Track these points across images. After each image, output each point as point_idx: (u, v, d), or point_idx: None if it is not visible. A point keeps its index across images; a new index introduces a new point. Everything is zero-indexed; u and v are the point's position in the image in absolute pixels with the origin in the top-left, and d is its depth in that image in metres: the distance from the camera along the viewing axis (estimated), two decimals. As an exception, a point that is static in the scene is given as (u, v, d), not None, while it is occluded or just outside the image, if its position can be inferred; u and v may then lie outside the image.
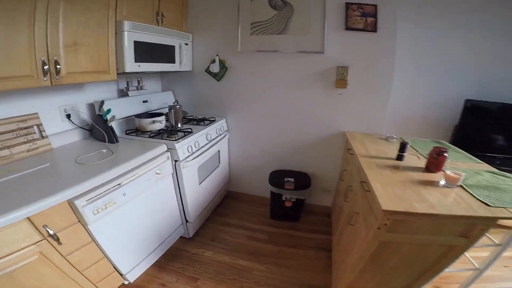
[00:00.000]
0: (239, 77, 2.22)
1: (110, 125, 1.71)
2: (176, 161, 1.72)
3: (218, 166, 2.32)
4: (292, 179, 2.16)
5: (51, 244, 1.08)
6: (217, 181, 2.35)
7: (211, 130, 2.10)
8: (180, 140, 1.73)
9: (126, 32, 1.56)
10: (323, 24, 1.91)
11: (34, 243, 1.02)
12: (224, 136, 2.32)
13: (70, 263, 1.18)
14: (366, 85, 1.98)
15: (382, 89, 1.97)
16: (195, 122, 2.17)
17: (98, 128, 1.73)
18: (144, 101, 2.11)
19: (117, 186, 1.34)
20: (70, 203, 1.12)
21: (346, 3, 1.86)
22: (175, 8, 2.05)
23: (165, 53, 1.93)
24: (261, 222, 2.27)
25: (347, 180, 1.83)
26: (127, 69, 1.63)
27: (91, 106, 1.85)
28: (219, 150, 2.27)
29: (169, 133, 1.85)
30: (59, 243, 1.10)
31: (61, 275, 1.15)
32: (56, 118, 1.67)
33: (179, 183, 1.79)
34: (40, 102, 1.57)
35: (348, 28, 1.90)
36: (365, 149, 1.69)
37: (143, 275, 1.68)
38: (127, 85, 2.03)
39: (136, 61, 1.67)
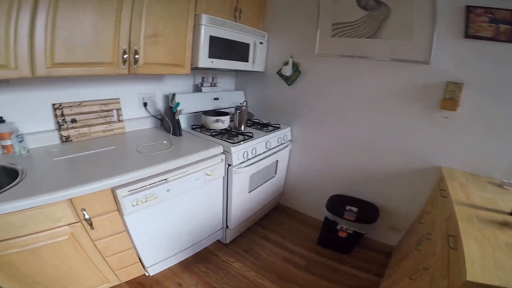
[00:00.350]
0: (313, 83, 1.97)
1: (177, 118, 1.73)
2: (229, 165, 1.62)
3: (274, 176, 2.14)
4: (355, 209, 1.79)
5: (84, 227, 1.10)
6: (269, 192, 2.17)
7: (272, 138, 1.93)
8: (237, 144, 1.62)
9: (203, 26, 1.54)
10: (432, 29, 1.49)
11: (68, 224, 1.05)
12: (286, 146, 2.12)
13: (96, 248, 1.20)
14: (485, 111, 1.45)
15: (509, 121, 1.41)
16: (259, 127, 2.05)
17: (167, 120, 1.79)
18: (215, 98, 2.11)
19: (163, 181, 1.31)
20: (113, 191, 1.13)
21: (467, 6, 1.40)
22: (253, 5, 1.97)
23: (239, 51, 1.86)
24: (305, 245, 1.97)
25: (428, 225, 1.38)
26: (200, 64, 1.61)
27: (166, 98, 1.93)
28: (277, 160, 2.09)
29: (230, 134, 1.77)
30: (92, 228, 1.12)
31: (84, 257, 1.18)
32: (134, 105, 1.79)
33: (228, 188, 1.69)
34: (123, 89, 1.70)
35: (469, 35, 1.42)
36: (466, 194, 1.23)
37: (166, 270, 1.65)
38: (202, 80, 2.06)
39: (209, 56, 1.64)
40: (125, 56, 1.31)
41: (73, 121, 1.51)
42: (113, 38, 1.26)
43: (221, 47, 1.70)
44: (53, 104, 1.43)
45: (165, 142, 1.59)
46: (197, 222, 1.66)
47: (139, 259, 1.45)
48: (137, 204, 1.21)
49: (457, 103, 1.47)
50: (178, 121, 1.74)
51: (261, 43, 2.03)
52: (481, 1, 1.35)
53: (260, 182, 1.96)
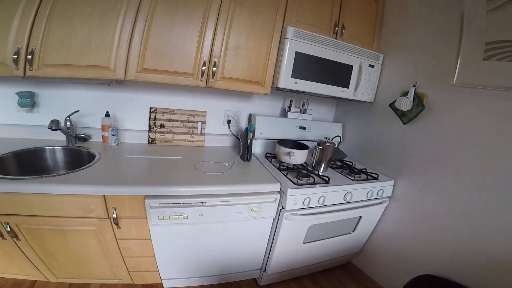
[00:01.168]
0: (444, 124, 1.30)
1: (248, 141, 1.59)
2: (282, 208, 1.27)
3: (350, 233, 1.55)
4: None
5: (111, 224, 1.10)
6: (338, 248, 1.61)
7: (358, 190, 1.40)
8: (299, 187, 1.26)
9: (289, 40, 1.34)
10: None
11: (98, 218, 1.08)
12: (381, 203, 1.50)
13: (118, 246, 1.19)
14: None
15: None
16: (346, 171, 1.56)
17: (240, 142, 1.68)
18: (301, 127, 1.83)
19: (199, 204, 1.15)
20: (146, 200, 1.07)
21: None
22: (363, 20, 1.57)
23: (335, 73, 1.51)
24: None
25: None
26: (280, 84, 1.41)
27: (250, 117, 1.84)
28: (360, 217, 1.50)
29: (300, 172, 1.42)
30: (118, 227, 1.10)
31: (104, 251, 1.19)
32: (219, 120, 1.81)
33: (275, 232, 1.33)
34: (211, 103, 1.75)
35: None
36: None
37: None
38: (290, 105, 1.84)
39: (293, 76, 1.41)
40: (203, 68, 1.30)
41: (162, 126, 1.67)
42: (196, 48, 1.28)
43: (310, 67, 1.43)
44: (150, 108, 1.63)
45: (226, 164, 1.47)
46: (230, 256, 1.40)
47: (157, 268, 1.35)
48: (163, 219, 1.12)
49: None
50: (249, 145, 1.58)
51: (371, 66, 1.59)
52: None
53: (325, 235, 1.47)
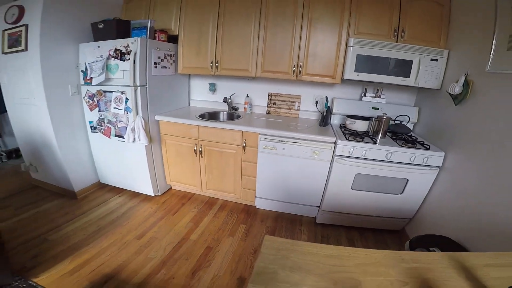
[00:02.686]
0: (487, 106, 1.54)
1: (323, 113, 2.35)
2: (336, 155, 1.99)
3: (398, 194, 1.99)
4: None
5: (242, 150, 2.22)
6: (385, 206, 2.06)
7: (399, 153, 1.85)
8: (347, 140, 1.94)
9: (351, 47, 1.99)
10: None
11: (237, 145, 2.22)
12: (429, 170, 1.85)
13: (241, 165, 2.29)
14: None
15: None
16: (402, 141, 1.98)
17: (322, 114, 2.46)
18: (374, 108, 2.35)
19: (282, 142, 2.10)
20: (259, 135, 2.14)
21: None
22: (426, 23, 1.93)
23: (395, 66, 1.98)
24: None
25: None
26: (346, 76, 2.08)
27: (332, 100, 2.55)
28: (407, 180, 1.92)
29: (357, 135, 2.06)
30: (244, 152, 2.21)
31: (234, 167, 2.33)
32: (310, 102, 2.64)
33: (329, 173, 2.06)
34: (304, 90, 2.61)
35: None
36: None
37: (266, 210, 2.44)
38: (365, 91, 2.40)
39: (355, 71, 2.04)
40: (293, 68, 2.21)
41: (274, 103, 2.71)
42: (289, 55, 2.20)
43: (370, 63, 1.99)
44: (269, 93, 2.70)
45: (306, 126, 2.31)
46: (298, 186, 2.23)
47: (255, 188, 2.38)
48: (264, 148, 2.14)
49: None
50: (325, 116, 2.34)
51: (433, 59, 1.92)
52: None
53: (372, 188, 2.00)
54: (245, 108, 2.74)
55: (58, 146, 2.32)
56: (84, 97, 2.38)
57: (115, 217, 2.31)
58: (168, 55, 2.43)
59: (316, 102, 2.60)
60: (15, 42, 2.14)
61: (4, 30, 2.18)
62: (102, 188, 2.77)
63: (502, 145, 1.40)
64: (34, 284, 1.55)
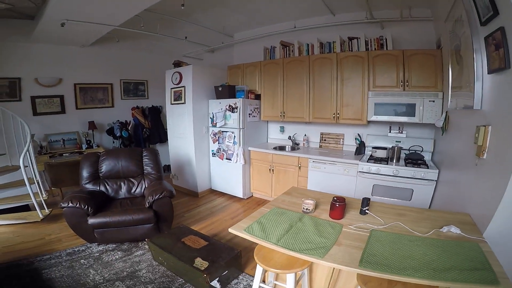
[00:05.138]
0: (454, 134, 2.33)
1: (357, 145, 3.40)
2: (359, 171, 2.99)
3: (408, 201, 2.74)
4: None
5: (298, 169, 3.50)
6: None
7: (403, 170, 2.73)
8: (364, 162, 2.97)
9: (370, 98, 3.10)
10: None
11: (295, 166, 3.54)
12: (427, 182, 2.62)
13: (297, 179, 3.52)
14: None
15: None
16: (411, 164, 2.79)
17: (357, 147, 3.49)
18: (397, 141, 3.25)
19: (323, 162, 3.26)
20: (309, 159, 3.38)
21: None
22: (424, 73, 2.80)
23: (403, 109, 2.93)
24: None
25: None
26: (368, 119, 3.16)
27: (366, 136, 3.54)
28: (413, 190, 2.70)
29: (375, 159, 3.02)
30: (300, 170, 3.48)
31: (293, 180, 3.58)
32: (351, 138, 3.72)
33: (356, 184, 3.04)
34: (346, 130, 3.74)
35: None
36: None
37: None
38: (390, 129, 3.34)
39: (375, 114, 3.11)
40: (333, 115, 3.44)
41: (324, 140, 3.92)
42: (330, 106, 3.46)
43: (384, 108, 3.03)
44: (321, 132, 3.95)
45: (344, 155, 3.40)
46: (334, 192, 3.18)
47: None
48: (312, 168, 3.35)
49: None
50: (358, 148, 3.38)
51: (431, 101, 2.79)
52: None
53: (386, 195, 2.83)
54: (303, 143, 4.04)
55: (195, 164, 4.17)
56: (210, 134, 4.26)
57: (219, 208, 3.88)
58: (255, 108, 4.11)
59: (356, 139, 3.66)
60: (178, 97, 4.21)
61: (171, 88, 4.29)
62: (212, 192, 4.50)
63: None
64: (182, 225, 3.11)
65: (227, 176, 4.19)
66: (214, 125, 4.13)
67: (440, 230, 1.45)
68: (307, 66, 3.62)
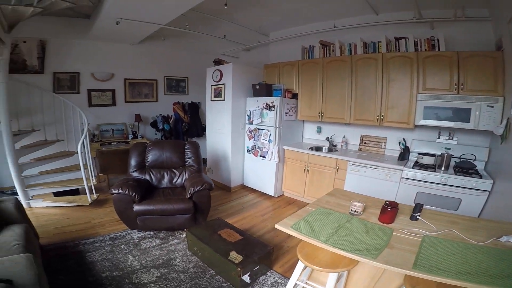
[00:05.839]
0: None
1: (401, 150, 3.28)
2: (403, 178, 2.90)
3: (454, 211, 2.59)
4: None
5: (336, 171, 3.48)
6: None
7: (452, 179, 2.61)
8: (409, 168, 2.87)
9: (418, 101, 2.98)
10: None
11: (332, 167, 3.52)
12: (480, 193, 2.47)
13: (333, 182, 3.49)
14: None
15: None
16: (459, 172, 2.67)
17: (401, 152, 3.36)
18: (446, 148, 3.08)
19: (364, 166, 3.19)
20: (348, 162, 3.35)
21: None
22: (482, 75, 2.62)
23: (456, 114, 2.76)
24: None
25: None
26: (416, 123, 3.04)
27: (412, 141, 3.40)
28: (461, 200, 2.56)
29: (422, 166, 2.90)
30: (337, 172, 3.44)
31: (328, 182, 3.55)
32: (394, 143, 3.59)
33: (397, 189, 2.94)
34: (389, 133, 3.62)
35: None
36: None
37: None
38: (438, 135, 3.17)
39: (423, 118, 2.97)
40: (376, 117, 3.35)
41: (365, 143, 3.83)
42: (373, 108, 3.38)
43: (435, 112, 2.88)
44: (361, 135, 3.87)
45: (386, 159, 3.30)
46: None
47: None
48: (351, 171, 3.30)
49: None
50: (402, 153, 3.26)
51: (489, 106, 2.60)
52: None
53: (431, 204, 2.69)
54: (341, 145, 3.99)
55: (230, 159, 4.31)
56: (246, 131, 4.37)
57: (250, 204, 3.99)
58: (292, 107, 4.13)
59: (399, 143, 3.52)
60: (218, 94, 4.36)
61: (212, 86, 4.46)
62: (244, 188, 4.62)
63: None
64: (219, 218, 3.23)
65: (260, 173, 4.28)
66: (251, 123, 4.23)
67: (499, 239, 1.40)
68: (349, 66, 3.56)
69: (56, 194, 3.71)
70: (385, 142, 3.65)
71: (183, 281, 2.17)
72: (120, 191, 2.69)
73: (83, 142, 3.40)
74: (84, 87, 4.53)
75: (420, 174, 2.78)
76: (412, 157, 3.30)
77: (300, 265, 1.67)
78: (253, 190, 4.47)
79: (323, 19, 4.05)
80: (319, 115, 3.92)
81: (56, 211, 3.42)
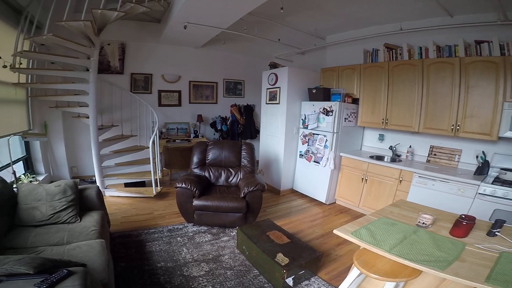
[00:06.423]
0: None
1: (479, 164, 3.00)
2: (479, 193, 2.67)
3: None
4: None
5: (399, 182, 3.35)
6: None
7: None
8: (487, 183, 2.65)
9: (504, 110, 2.70)
10: None
11: (395, 178, 3.40)
12: None
13: (394, 193, 3.36)
14: None
15: None
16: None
17: (478, 166, 3.07)
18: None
19: (433, 179, 3.01)
20: (414, 174, 3.20)
21: None
22: None
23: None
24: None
25: None
26: (500, 134, 2.77)
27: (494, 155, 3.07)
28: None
29: (504, 182, 2.62)
30: (400, 184, 3.30)
31: (389, 193, 3.42)
32: (470, 156, 3.30)
33: (470, 205, 2.72)
34: (464, 145, 3.34)
35: None
36: None
37: None
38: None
39: (510, 129, 2.69)
40: (451, 126, 3.13)
41: (434, 154, 3.60)
42: (448, 116, 3.16)
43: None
44: (431, 145, 3.64)
45: (459, 173, 3.06)
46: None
47: None
48: (416, 183, 3.14)
49: None
50: (480, 167, 2.99)
51: None
52: None
53: (510, 222, 2.41)
54: (406, 155, 3.80)
55: (282, 163, 4.45)
56: (300, 136, 4.47)
57: (298, 209, 4.07)
58: (352, 113, 4.09)
59: (477, 156, 3.22)
60: (273, 97, 4.54)
61: (267, 89, 4.65)
62: (293, 192, 4.73)
63: None
64: (268, 219, 3.38)
65: (312, 178, 4.32)
66: (305, 127, 4.31)
67: None
68: (419, 70, 3.41)
69: (126, 185, 4.32)
70: (459, 155, 3.37)
71: (228, 278, 2.30)
72: (184, 185, 3.03)
73: (153, 139, 3.92)
74: (156, 87, 5.19)
75: (501, 190, 2.52)
76: (493, 173, 3.00)
77: (354, 272, 1.71)
78: (303, 195, 4.53)
79: (386, 22, 3.97)
80: (382, 122, 3.81)
81: (125, 200, 3.95)
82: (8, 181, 2.36)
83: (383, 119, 3.80)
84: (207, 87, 5.76)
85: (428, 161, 3.63)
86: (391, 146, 3.93)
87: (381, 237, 1.58)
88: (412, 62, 3.53)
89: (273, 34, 4.83)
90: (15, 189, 2.24)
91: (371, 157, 3.85)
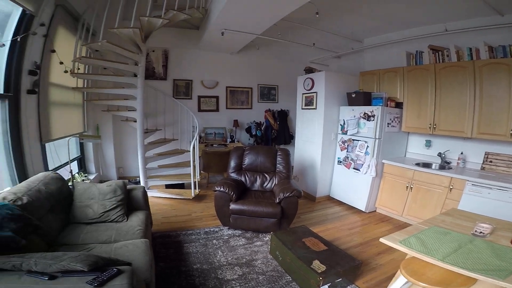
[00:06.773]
0: None
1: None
2: None
3: None
4: None
5: (449, 191, 3.15)
6: None
7: None
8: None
9: None
10: None
11: (444, 187, 3.21)
12: None
13: (443, 202, 3.16)
14: None
15: None
16: None
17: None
18: None
19: (489, 187, 2.81)
20: (466, 182, 3.00)
21: None
22: None
23: None
24: None
25: None
26: None
27: None
28: None
29: None
30: (450, 192, 3.12)
31: (437, 202, 3.22)
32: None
33: None
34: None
35: None
36: None
37: None
38: None
39: None
40: (510, 131, 2.91)
41: (490, 161, 3.34)
42: (506, 120, 2.93)
43: None
44: (486, 152, 3.39)
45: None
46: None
47: None
48: (469, 191, 2.95)
49: None
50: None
51: None
52: None
53: None
54: (457, 162, 3.58)
55: (318, 169, 4.43)
56: (338, 142, 4.42)
57: (335, 216, 4.00)
58: (395, 118, 3.96)
59: (542, 164, 2.94)
60: (309, 103, 4.54)
61: (303, 94, 4.65)
62: (329, 199, 4.66)
63: None
64: (304, 225, 3.34)
65: (351, 186, 4.23)
66: (344, 133, 4.26)
67: None
68: (470, 72, 3.24)
69: (167, 186, 4.60)
70: (520, 163, 3.10)
71: (260, 283, 2.31)
72: (222, 189, 3.15)
73: (194, 143, 4.15)
74: (196, 93, 5.51)
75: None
76: None
77: (400, 281, 1.68)
78: (340, 203, 4.44)
79: (428, 23, 3.87)
80: (429, 127, 3.65)
81: (165, 201, 4.19)
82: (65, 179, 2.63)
83: (430, 124, 3.63)
84: (242, 93, 5.96)
85: (483, 168, 3.37)
86: (439, 153, 3.72)
87: (433, 246, 1.54)
88: (461, 64, 3.36)
89: (307, 38, 4.88)
90: (70, 187, 2.48)
91: (417, 164, 3.68)
